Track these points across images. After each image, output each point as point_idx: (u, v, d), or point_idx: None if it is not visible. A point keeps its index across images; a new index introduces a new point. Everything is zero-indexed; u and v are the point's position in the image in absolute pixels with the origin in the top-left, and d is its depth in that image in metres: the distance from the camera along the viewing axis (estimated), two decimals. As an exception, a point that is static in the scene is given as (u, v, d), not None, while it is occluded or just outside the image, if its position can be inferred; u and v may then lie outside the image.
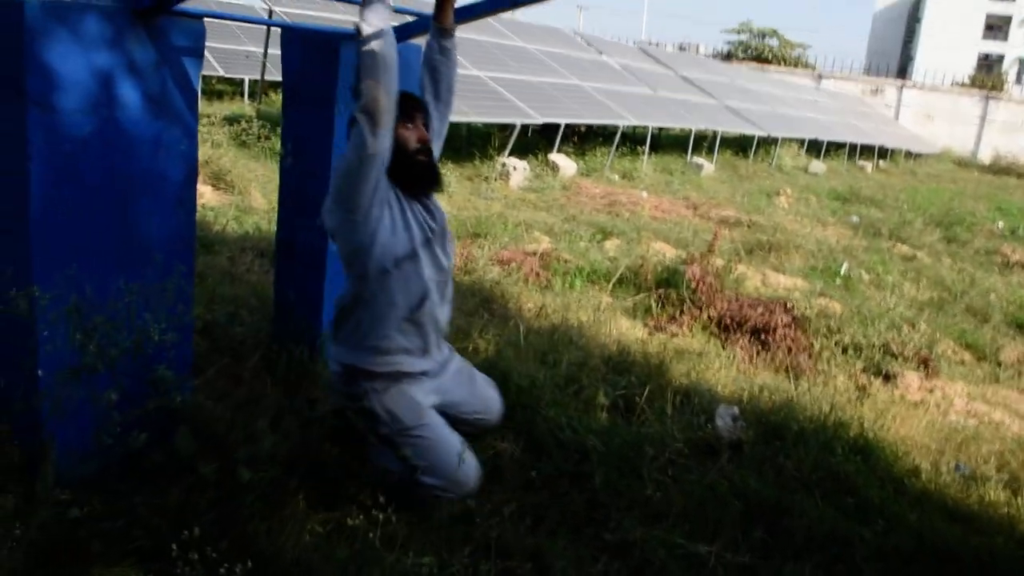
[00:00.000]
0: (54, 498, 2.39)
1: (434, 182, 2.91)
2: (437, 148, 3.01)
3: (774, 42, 54.32)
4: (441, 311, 2.92)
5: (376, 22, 2.52)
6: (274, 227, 4.15)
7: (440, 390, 2.99)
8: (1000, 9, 64.48)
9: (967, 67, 58.40)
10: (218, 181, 8.55)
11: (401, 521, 2.68)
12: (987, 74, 55.83)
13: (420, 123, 2.84)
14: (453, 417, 3.05)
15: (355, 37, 2.54)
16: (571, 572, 2.70)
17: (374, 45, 2.51)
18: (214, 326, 4.18)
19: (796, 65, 50.28)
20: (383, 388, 2.80)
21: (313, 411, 3.30)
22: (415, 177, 2.81)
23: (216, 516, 2.59)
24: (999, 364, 6.96)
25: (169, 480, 2.63)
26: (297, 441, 3.05)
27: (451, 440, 2.88)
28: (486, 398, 3.25)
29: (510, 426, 3.55)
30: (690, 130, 18.10)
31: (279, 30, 4.26)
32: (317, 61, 3.70)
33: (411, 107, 2.81)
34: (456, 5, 3.11)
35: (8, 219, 2.59)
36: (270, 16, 13.24)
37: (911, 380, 5.91)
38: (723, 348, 5.70)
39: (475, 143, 13.68)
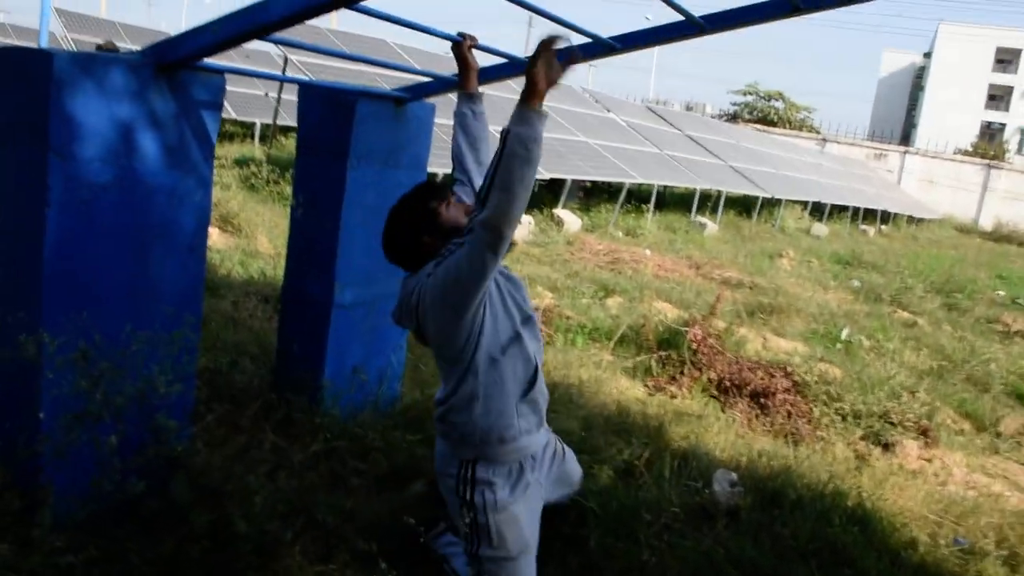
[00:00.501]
0: (49, 545, 2.39)
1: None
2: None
3: (780, 105, 54.93)
4: (543, 381, 2.78)
5: (532, 130, 2.25)
6: (279, 273, 4.19)
7: (547, 480, 2.86)
8: (1002, 80, 65.46)
9: (970, 135, 59.09)
10: (226, 224, 8.62)
11: (396, 573, 2.67)
12: (989, 142, 56.44)
13: (452, 197, 2.73)
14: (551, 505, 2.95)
15: (501, 139, 2.27)
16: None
17: (530, 154, 2.25)
18: (215, 372, 4.19)
19: (801, 128, 50.80)
20: (502, 507, 2.63)
21: (311, 462, 3.32)
22: None
23: (209, 567, 2.59)
24: (999, 435, 6.93)
25: (164, 528, 2.63)
26: (294, 492, 3.05)
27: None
28: (574, 473, 3.14)
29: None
30: (694, 189, 18.24)
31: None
32: (333, 117, 3.78)
33: (443, 190, 2.73)
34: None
35: (22, 264, 2.63)
36: (285, 64, 13.45)
37: (910, 449, 5.89)
38: (722, 411, 5.70)
39: (481, 197, 13.78)
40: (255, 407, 3.83)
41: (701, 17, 3.15)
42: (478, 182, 2.89)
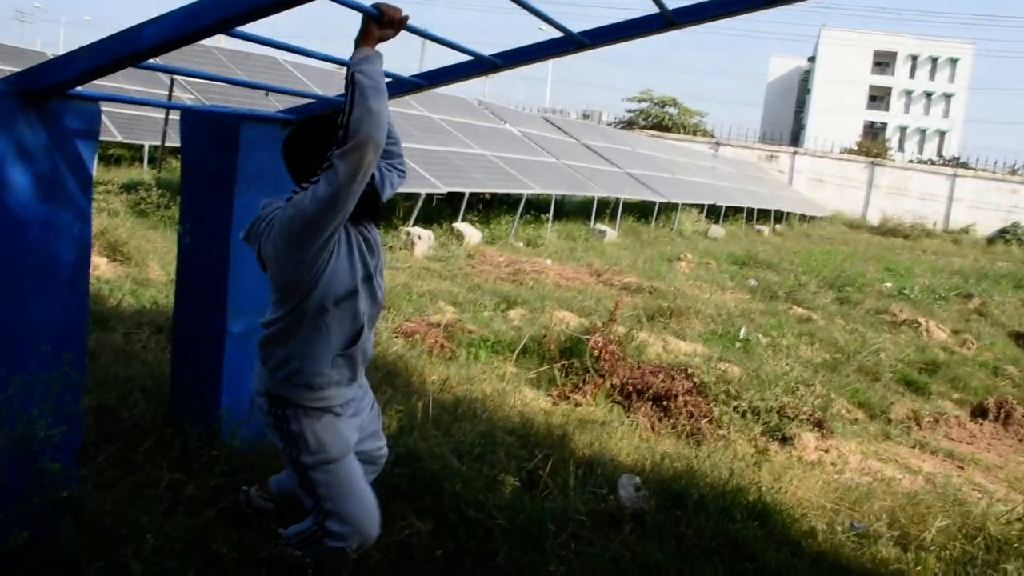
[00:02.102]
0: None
1: (376, 212, 2.77)
2: (384, 193, 2.92)
3: (673, 110, 56.25)
4: (370, 341, 2.84)
5: (370, 65, 2.34)
6: (172, 301, 4.06)
7: (360, 426, 2.91)
8: (882, 82, 68.65)
9: (854, 135, 61.68)
10: (114, 252, 8.33)
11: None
12: (873, 141, 59.02)
13: None
14: (362, 454, 2.97)
15: (347, 78, 2.33)
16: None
17: (377, 83, 2.33)
18: (106, 410, 4.04)
19: (695, 133, 52.12)
20: (316, 416, 2.70)
21: (210, 496, 3.23)
22: (360, 206, 2.57)
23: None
24: (890, 421, 7.24)
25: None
26: (191, 529, 2.97)
27: (365, 485, 2.80)
28: (379, 435, 3.18)
29: (419, 504, 3.54)
30: (593, 197, 18.51)
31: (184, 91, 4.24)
32: (218, 142, 3.70)
33: None
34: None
35: None
36: (172, 84, 13.09)
37: (808, 441, 6.09)
38: (626, 416, 5.78)
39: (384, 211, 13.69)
40: (149, 443, 3.71)
41: (581, 33, 3.19)
42: (384, 174, 2.97)
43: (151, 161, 17.90)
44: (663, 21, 3.01)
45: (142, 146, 18.61)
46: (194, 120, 3.83)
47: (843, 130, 60.57)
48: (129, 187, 11.82)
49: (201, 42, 13.39)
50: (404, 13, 2.39)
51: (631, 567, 3.34)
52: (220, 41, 25.09)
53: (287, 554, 2.86)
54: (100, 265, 7.90)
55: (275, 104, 10.89)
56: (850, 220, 40.05)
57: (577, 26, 3.14)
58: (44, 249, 2.82)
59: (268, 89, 4.08)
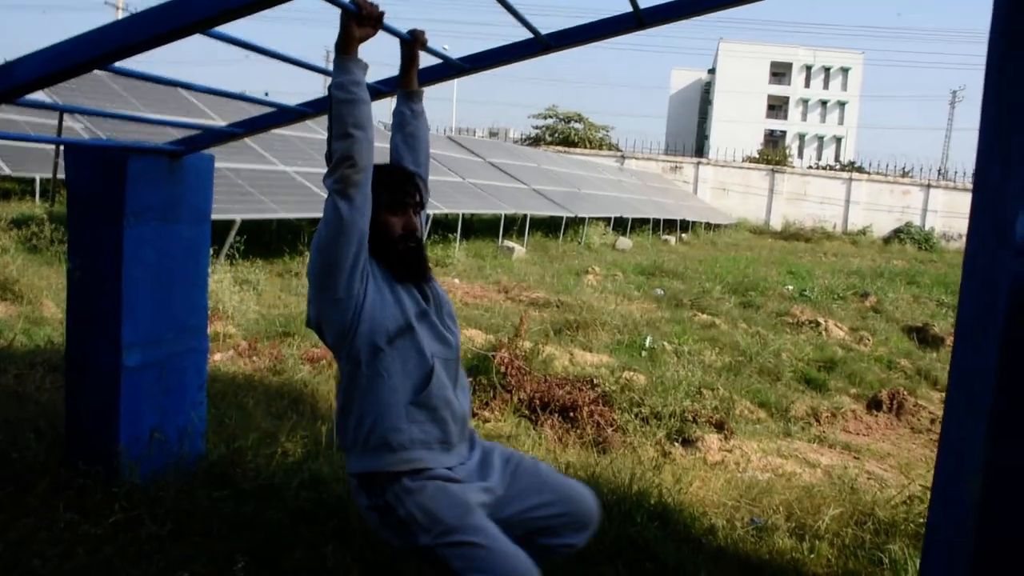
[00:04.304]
0: None
1: (419, 273, 2.55)
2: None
3: (579, 126, 57.05)
4: (455, 396, 2.48)
5: (347, 75, 2.30)
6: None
7: (491, 485, 2.50)
8: (779, 91, 71.14)
9: (755, 143, 63.63)
10: (4, 291, 8.08)
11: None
12: (773, 149, 60.98)
13: (411, 209, 2.56)
14: (525, 521, 2.55)
15: (327, 97, 2.31)
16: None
17: (353, 95, 2.28)
18: (1, 454, 3.94)
19: (601, 147, 52.98)
20: (417, 487, 2.35)
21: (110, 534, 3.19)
22: (397, 264, 2.50)
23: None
24: (790, 419, 7.51)
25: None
26: (91, 568, 2.93)
27: (512, 547, 2.35)
28: (562, 485, 2.67)
29: (324, 528, 3.55)
30: (500, 215, 18.69)
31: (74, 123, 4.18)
32: (105, 176, 3.67)
33: (401, 191, 2.56)
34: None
35: None
36: (60, 119, 12.75)
37: (711, 443, 6.28)
38: (533, 430, 5.88)
39: (284, 238, 13.60)
40: (43, 485, 3.63)
41: (547, 35, 3.18)
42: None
43: (43, 194, 17.34)
44: (633, 20, 3.02)
45: (33, 179, 18.01)
46: (79, 154, 3.80)
47: (745, 139, 62.43)
48: (20, 222, 11.47)
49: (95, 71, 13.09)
50: (380, 9, 2.35)
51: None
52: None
53: None
54: (-9, 305, 7.66)
55: (175, 133, 10.72)
56: (754, 226, 41.28)
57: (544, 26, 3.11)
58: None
59: (158, 123, 4.06)
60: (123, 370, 3.71)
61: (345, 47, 2.32)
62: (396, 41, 2.85)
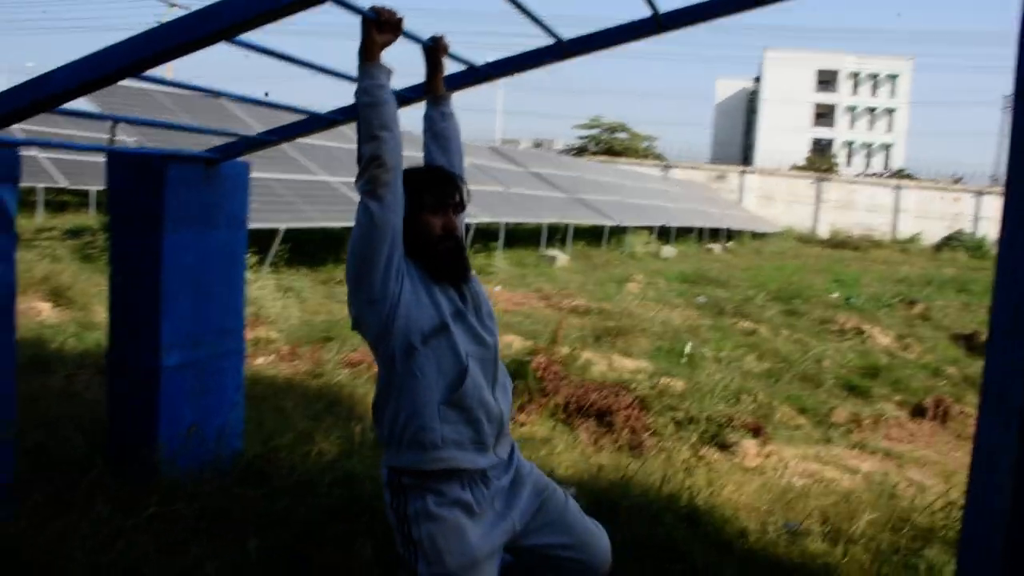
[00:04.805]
0: None
1: (459, 273, 2.53)
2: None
3: (624, 135, 57.00)
4: (492, 396, 2.48)
5: (370, 80, 2.34)
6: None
7: (510, 513, 2.52)
8: (826, 99, 70.28)
9: (803, 152, 62.92)
10: (58, 298, 8.33)
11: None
12: (820, 156, 60.24)
13: (451, 209, 2.55)
14: (542, 555, 2.61)
15: (355, 103, 2.35)
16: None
17: (376, 98, 2.32)
18: (43, 450, 4.08)
19: (645, 156, 52.85)
20: (438, 515, 2.38)
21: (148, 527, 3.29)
22: (438, 265, 2.49)
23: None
24: (831, 425, 7.43)
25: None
26: (129, 560, 3.03)
27: None
28: (582, 527, 2.70)
29: (357, 524, 3.60)
30: (542, 224, 18.74)
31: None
32: (143, 183, 3.79)
33: (442, 192, 2.55)
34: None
35: None
36: (113, 130, 13.09)
37: (748, 448, 6.25)
38: (569, 433, 5.90)
39: (328, 247, 13.79)
40: (86, 480, 3.75)
41: (568, 41, 3.20)
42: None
43: (97, 206, 17.81)
44: (652, 23, 3.03)
45: (88, 191, 18.52)
46: (120, 162, 3.93)
47: (792, 148, 61.75)
48: (75, 232, 11.80)
49: (143, 80, 13.44)
50: (399, 15, 2.39)
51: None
52: (168, 72, 25.03)
53: None
54: (43, 311, 7.90)
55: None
56: (801, 235, 40.77)
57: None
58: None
59: (196, 130, 4.19)
60: (162, 370, 3.82)
61: (367, 53, 2.36)
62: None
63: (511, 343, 7.89)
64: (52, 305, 8.25)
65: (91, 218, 15.60)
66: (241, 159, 4.18)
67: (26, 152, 16.13)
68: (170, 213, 3.78)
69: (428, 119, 2.91)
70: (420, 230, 2.47)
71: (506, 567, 2.59)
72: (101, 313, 8.19)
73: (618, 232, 22.63)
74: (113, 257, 3.98)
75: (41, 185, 15.48)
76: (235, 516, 3.54)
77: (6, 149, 3.00)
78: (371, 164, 2.30)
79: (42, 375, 5.52)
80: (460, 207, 2.61)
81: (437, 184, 2.56)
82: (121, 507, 3.52)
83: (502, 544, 2.48)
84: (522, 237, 20.14)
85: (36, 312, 7.92)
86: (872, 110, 71.02)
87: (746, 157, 67.44)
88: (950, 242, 40.27)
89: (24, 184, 13.41)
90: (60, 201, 18.46)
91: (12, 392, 3.08)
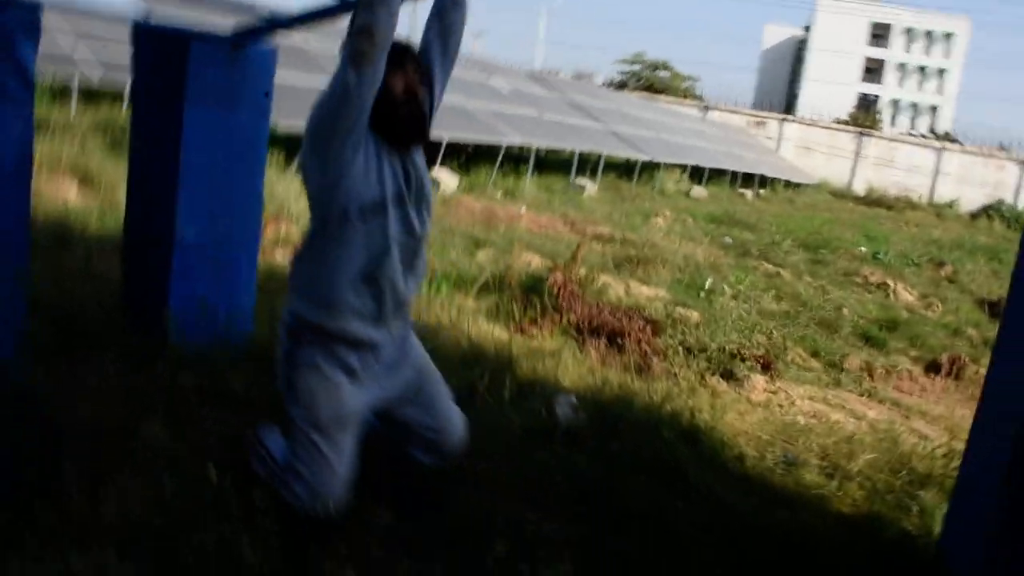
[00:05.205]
0: None
1: (416, 135, 2.64)
2: (436, 104, 2.78)
3: (665, 74, 56.07)
4: (403, 280, 2.63)
5: None
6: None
7: (388, 384, 2.72)
8: (877, 54, 68.43)
9: (848, 106, 61.58)
10: (84, 183, 8.38)
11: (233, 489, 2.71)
12: (865, 113, 58.96)
13: (411, 71, 2.58)
14: (401, 424, 2.83)
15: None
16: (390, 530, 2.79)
17: None
18: (63, 317, 4.14)
19: (685, 96, 52.02)
20: (324, 369, 2.56)
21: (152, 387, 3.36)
22: (397, 128, 2.56)
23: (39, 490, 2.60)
24: (842, 371, 7.40)
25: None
26: (130, 415, 3.09)
27: (342, 464, 2.61)
28: (446, 414, 2.92)
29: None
30: (574, 152, 18.56)
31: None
32: (168, 58, 3.78)
33: (401, 55, 2.55)
34: None
35: None
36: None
37: (756, 382, 6.25)
38: (580, 351, 5.91)
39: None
40: (99, 347, 3.81)
41: None
42: (438, 73, 2.79)
43: (129, 101, 17.76)
44: None
45: (122, 89, 18.48)
46: (145, 36, 3.91)
47: (836, 101, 60.45)
48: (106, 125, 11.81)
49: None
50: None
51: (558, 476, 3.47)
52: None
53: (251, 461, 2.86)
54: (69, 193, 7.96)
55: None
56: (836, 189, 40.13)
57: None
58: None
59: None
60: (176, 244, 3.85)
61: None
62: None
63: (530, 261, 7.88)
64: (78, 190, 8.30)
65: (122, 113, 15.61)
66: (267, 47, 4.13)
67: (62, 42, 16.09)
68: (193, 90, 3.76)
69: (439, 1, 2.82)
70: (382, 94, 2.47)
71: (372, 430, 2.79)
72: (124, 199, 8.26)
73: (650, 168, 22.38)
74: (134, 129, 3.99)
75: (76, 79, 15.47)
76: (236, 390, 3.59)
77: (28, 9, 2.98)
78: (361, 35, 2.31)
79: (63, 251, 5.58)
80: (422, 76, 2.65)
81: (394, 50, 2.52)
82: (130, 368, 3.59)
83: (370, 408, 2.70)
84: (553, 164, 19.96)
85: (62, 194, 7.97)
86: (923, 69, 69.10)
87: (788, 107, 66.10)
88: (988, 211, 39.42)
89: (59, 76, 13.42)
90: (94, 92, 18.47)
91: (26, 241, 3.11)
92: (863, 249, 16.16)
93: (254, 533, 2.43)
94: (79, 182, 8.36)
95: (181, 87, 3.74)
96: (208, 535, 2.36)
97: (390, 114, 2.52)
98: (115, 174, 8.82)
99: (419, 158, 2.69)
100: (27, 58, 3.01)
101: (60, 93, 13.82)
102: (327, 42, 16.16)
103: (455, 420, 2.95)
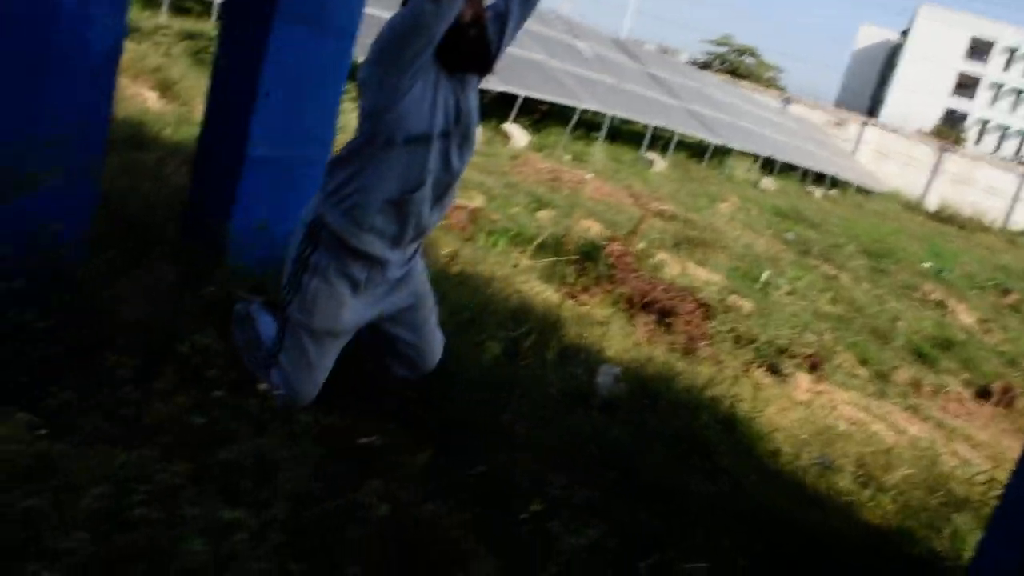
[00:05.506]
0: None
1: (478, 63, 2.66)
2: (505, 42, 2.77)
3: (751, 60, 54.98)
4: (430, 211, 2.69)
5: None
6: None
7: (386, 302, 2.81)
8: (972, 69, 66.11)
9: (933, 118, 59.79)
10: (165, 90, 8.49)
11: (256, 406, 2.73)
12: (951, 128, 57.20)
13: (479, 1, 2.60)
14: (387, 336, 2.93)
15: None
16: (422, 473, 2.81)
17: None
18: (128, 215, 4.20)
19: (768, 86, 50.97)
20: (331, 280, 2.64)
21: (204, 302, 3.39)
22: (461, 53, 2.57)
23: (85, 382, 2.65)
24: (889, 383, 7.28)
25: (41, 340, 2.68)
26: (180, 323, 3.13)
27: (323, 370, 2.76)
28: (429, 336, 3.02)
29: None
30: (647, 126, 18.33)
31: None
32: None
33: None
34: None
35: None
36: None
37: (801, 381, 6.18)
38: (627, 323, 5.88)
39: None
40: (158, 251, 3.86)
41: None
42: (513, 15, 2.77)
43: (220, 16, 17.90)
44: None
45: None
46: (244, -53, 3.89)
47: (922, 112, 58.72)
48: (192, 35, 11.92)
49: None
50: None
51: (589, 441, 3.47)
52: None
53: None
54: (150, 100, 8.07)
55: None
56: (908, 200, 39.09)
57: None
58: (73, 38, 2.92)
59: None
60: (246, 160, 3.85)
61: None
62: None
63: (590, 227, 7.83)
64: (159, 96, 8.41)
65: (210, 24, 15.75)
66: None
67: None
68: (281, 7, 3.74)
69: None
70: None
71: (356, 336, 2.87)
72: (202, 110, 8.34)
73: (722, 152, 22.03)
74: (220, 44, 3.99)
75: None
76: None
77: None
78: None
79: (136, 151, 5.66)
80: (485, 9, 2.66)
81: None
82: (184, 280, 3.63)
83: (364, 324, 2.80)
84: (625, 135, 19.73)
85: (142, 99, 8.08)
86: (1020, 92, 66.60)
87: (872, 111, 64.37)
88: (1064, 244, 38.23)
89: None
90: (184, 5, 18.65)
91: (104, 137, 3.14)
92: (927, 265, 15.80)
93: (292, 448, 2.45)
94: (160, 89, 8.46)
95: (274, 4, 3.73)
96: (246, 445, 2.38)
97: (456, 39, 2.51)
98: (196, 85, 8.92)
99: (473, 95, 2.71)
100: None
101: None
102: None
103: (436, 343, 3.06)
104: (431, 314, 3.02)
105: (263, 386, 2.71)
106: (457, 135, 2.64)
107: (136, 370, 2.73)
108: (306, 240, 2.68)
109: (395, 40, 2.39)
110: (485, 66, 2.69)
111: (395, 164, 2.54)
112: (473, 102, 2.72)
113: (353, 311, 2.72)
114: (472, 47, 2.58)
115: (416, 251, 2.86)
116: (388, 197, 2.58)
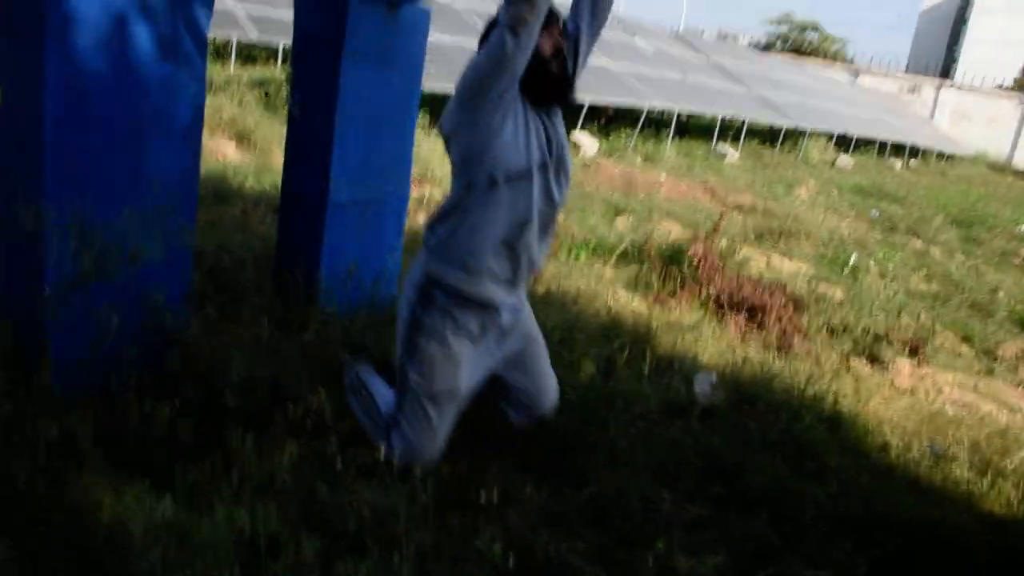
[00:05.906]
0: (51, 405, 2.59)
1: (563, 95, 2.68)
2: (580, 68, 2.79)
3: (814, 35, 53.78)
4: (538, 246, 2.71)
5: None
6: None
7: (500, 351, 2.82)
8: (1055, 9, 63.24)
9: (1013, 71, 57.43)
10: (242, 140, 8.76)
11: (369, 452, 2.80)
12: (1033, 80, 54.85)
13: (556, 32, 2.61)
14: (500, 382, 2.92)
15: None
16: (534, 506, 2.84)
17: None
18: (220, 270, 4.37)
19: (835, 59, 49.76)
20: (448, 343, 2.64)
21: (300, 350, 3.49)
22: (545, 86, 2.60)
23: (202, 436, 2.77)
24: (996, 358, 7.01)
25: (156, 399, 2.80)
26: (278, 372, 3.24)
27: (444, 431, 2.76)
28: (543, 379, 3.02)
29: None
30: (716, 117, 18.10)
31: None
32: (327, 13, 3.86)
33: (547, 15, 2.54)
34: None
35: (29, 146, 2.79)
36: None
37: (902, 367, 6.00)
38: (718, 324, 5.81)
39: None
40: (255, 302, 3.99)
41: None
42: (584, 39, 2.79)
43: (283, 60, 18.39)
44: None
45: (277, 46, 19.16)
46: (307, -5, 4.00)
47: (1001, 65, 56.43)
48: (261, 83, 12.26)
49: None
50: None
51: (689, 451, 3.45)
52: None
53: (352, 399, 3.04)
54: (227, 151, 8.33)
55: None
56: (994, 162, 37.54)
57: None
58: (162, 105, 3.06)
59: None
60: (330, 204, 3.97)
61: None
62: None
63: (670, 230, 7.77)
64: (236, 146, 8.68)
65: (278, 71, 16.18)
66: (422, 7, 4.18)
67: (223, 4, 16.74)
68: (350, 46, 3.82)
69: None
70: (532, 54, 2.49)
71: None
72: (279, 157, 8.54)
73: (794, 135, 21.59)
74: (293, 88, 4.11)
75: (235, 38, 16.11)
76: (381, 355, 3.69)
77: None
78: (522, 2, 2.30)
79: (222, 205, 5.86)
80: (563, 35, 2.67)
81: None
82: (280, 328, 3.75)
83: (481, 379, 2.80)
84: (694, 130, 19.51)
85: (221, 152, 8.36)
86: (1103, 31, 63.53)
87: (946, 71, 62.18)
88: None
89: (219, 35, 13.99)
90: (251, 54, 19.20)
91: (194, 200, 3.26)
92: (1022, 228, 15.18)
93: (412, 506, 2.51)
94: (237, 139, 8.73)
95: (340, 43, 3.82)
96: (366, 510, 2.45)
97: (539, 73, 2.54)
98: (270, 132, 9.18)
99: (559, 124, 2.72)
100: (201, 18, 3.13)
101: (219, 51, 14.41)
102: (474, 1, 16.27)
103: (550, 386, 3.05)
104: (542, 355, 3.02)
105: (383, 450, 2.72)
106: (553, 166, 2.65)
107: (255, 440, 2.80)
108: (418, 301, 2.68)
109: (479, 81, 2.42)
110: (567, 99, 2.71)
111: (502, 203, 2.55)
112: (562, 131, 2.74)
113: (471, 368, 2.73)
114: (555, 81, 2.61)
115: (523, 292, 2.88)
116: (500, 238, 2.58)
